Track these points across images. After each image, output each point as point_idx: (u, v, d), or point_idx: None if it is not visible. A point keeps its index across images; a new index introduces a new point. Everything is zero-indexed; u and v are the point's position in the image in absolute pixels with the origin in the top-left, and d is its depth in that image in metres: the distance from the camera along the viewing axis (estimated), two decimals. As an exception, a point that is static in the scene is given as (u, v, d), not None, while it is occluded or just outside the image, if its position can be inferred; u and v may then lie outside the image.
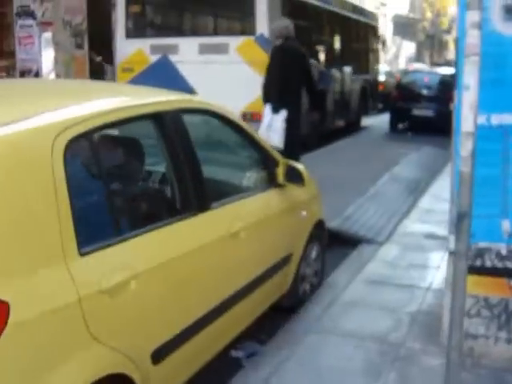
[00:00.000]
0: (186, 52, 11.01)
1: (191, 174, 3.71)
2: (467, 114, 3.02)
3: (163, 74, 10.85)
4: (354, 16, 17.90)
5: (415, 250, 7.01)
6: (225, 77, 10.98)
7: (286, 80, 8.09)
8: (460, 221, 3.11)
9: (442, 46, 78.38)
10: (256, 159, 4.76)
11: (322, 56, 14.55)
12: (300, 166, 4.94)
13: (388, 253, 6.88)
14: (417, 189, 10.23)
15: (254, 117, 10.57)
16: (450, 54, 73.44)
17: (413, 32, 55.77)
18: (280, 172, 4.70)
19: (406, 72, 21.03)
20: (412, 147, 14.15)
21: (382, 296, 5.63)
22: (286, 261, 4.89)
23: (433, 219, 8.33)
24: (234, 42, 11.43)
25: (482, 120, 3.85)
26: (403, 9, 53.00)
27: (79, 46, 15.92)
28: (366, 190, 9.37)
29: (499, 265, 4.24)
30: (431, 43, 70.75)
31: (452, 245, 3.78)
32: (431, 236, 7.54)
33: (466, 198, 3.08)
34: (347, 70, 16.74)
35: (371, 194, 9.28)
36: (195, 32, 12.30)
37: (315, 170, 10.51)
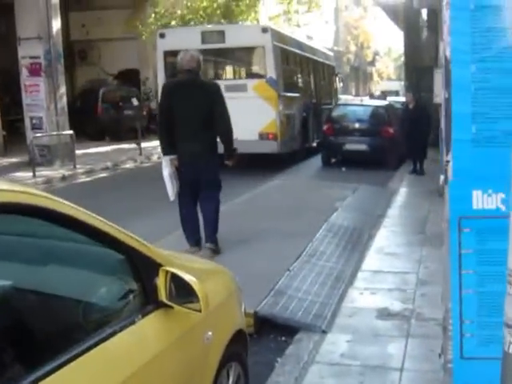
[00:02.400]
0: None
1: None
2: None
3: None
4: (320, 59, 23.60)
5: (368, 339, 5.30)
6: (245, 108, 14.27)
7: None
8: None
9: (367, 77, 79.05)
10: (117, 267, 2.96)
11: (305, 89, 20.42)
12: (190, 278, 2.91)
13: (333, 349, 5.13)
14: (360, 242, 8.59)
15: (268, 136, 15.77)
16: (373, 86, 74.09)
17: (338, 64, 55.32)
18: (161, 285, 2.91)
19: (336, 104, 19.76)
20: (348, 187, 12.56)
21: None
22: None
23: (383, 286, 6.68)
24: (251, 82, 16.22)
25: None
26: (328, 42, 52.52)
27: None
28: (300, 250, 7.64)
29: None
30: (356, 75, 71.08)
31: None
32: (385, 313, 5.87)
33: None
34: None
35: (308, 255, 7.55)
36: (220, 77, 17.12)
37: (235, 225, 9.29)
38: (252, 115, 14.87)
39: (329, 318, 5.74)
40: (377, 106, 18.02)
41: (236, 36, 16.14)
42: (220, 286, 3.73)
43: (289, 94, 17.15)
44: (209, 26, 19.58)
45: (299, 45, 20.21)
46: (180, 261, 3.38)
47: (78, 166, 16.41)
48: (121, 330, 2.64)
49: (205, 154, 7.36)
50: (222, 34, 16.19)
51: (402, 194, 12.54)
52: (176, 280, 2.88)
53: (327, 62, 24.93)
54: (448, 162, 3.11)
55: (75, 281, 2.88)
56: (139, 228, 9.58)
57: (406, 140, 15.90)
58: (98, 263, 2.95)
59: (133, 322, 2.74)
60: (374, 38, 75.07)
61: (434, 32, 22.84)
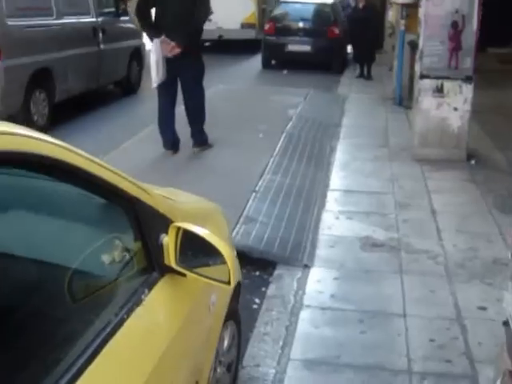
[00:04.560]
0: None
1: None
2: None
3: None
4: None
5: (357, 277, 4.68)
6: (229, 3, 17.39)
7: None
8: None
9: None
10: (114, 223, 2.13)
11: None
12: (214, 239, 2.09)
13: (321, 288, 4.49)
14: (322, 156, 7.91)
15: (249, 26, 19.15)
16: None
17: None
18: (171, 247, 2.11)
19: (277, 2, 18.64)
20: (297, 93, 11.76)
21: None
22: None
23: (359, 209, 6.07)
24: None
25: None
26: None
27: None
28: (262, 168, 6.90)
29: None
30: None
31: None
32: (369, 243, 5.26)
33: None
34: None
35: (272, 173, 6.81)
36: None
37: (182, 138, 8.27)
38: (235, 9, 18.23)
39: (309, 248, 5.09)
40: (322, 4, 16.97)
41: None
42: (218, 231, 2.97)
43: None
44: None
45: None
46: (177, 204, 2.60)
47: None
48: (127, 315, 1.88)
49: (190, 48, 7.08)
50: None
51: (353, 100, 11.83)
52: (189, 238, 2.10)
53: None
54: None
55: (58, 241, 2.07)
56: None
57: (354, 42, 15.11)
58: (88, 217, 2.12)
59: (139, 301, 1.97)
60: None
61: None
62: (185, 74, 7.27)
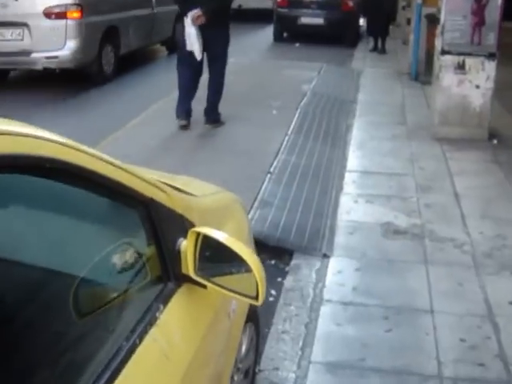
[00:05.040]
0: None
1: None
2: None
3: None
4: None
5: (380, 267, 4.42)
6: None
7: None
8: None
9: None
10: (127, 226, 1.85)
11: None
12: (241, 247, 1.83)
13: (342, 280, 4.23)
14: (338, 135, 7.60)
15: None
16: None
17: None
18: (189, 254, 1.84)
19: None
20: (311, 67, 11.41)
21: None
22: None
23: (378, 192, 5.79)
24: None
25: None
26: None
27: None
28: (277, 147, 6.62)
29: None
30: None
31: None
32: (390, 230, 4.99)
33: None
34: None
35: (286, 153, 6.53)
36: None
37: (195, 114, 8.03)
38: None
39: (327, 236, 4.82)
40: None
41: None
42: (240, 229, 2.70)
43: None
44: None
45: None
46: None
47: None
48: (140, 339, 1.62)
49: (215, 23, 6.94)
50: None
51: (368, 75, 11.47)
52: (210, 242, 1.84)
53: None
54: None
55: (62, 246, 1.80)
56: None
57: (368, 15, 14.69)
58: (96, 220, 1.84)
59: (153, 321, 1.72)
60: None
61: None
62: (210, 43, 7.09)
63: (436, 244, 4.74)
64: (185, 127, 7.23)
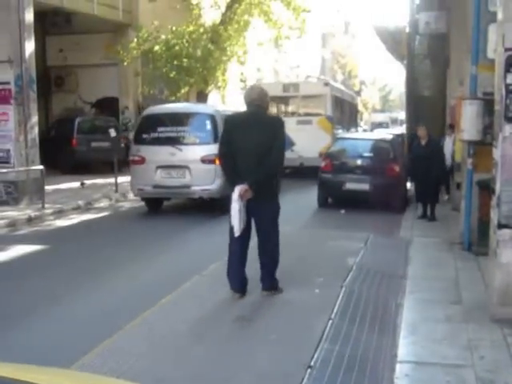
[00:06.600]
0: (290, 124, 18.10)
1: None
2: None
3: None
4: (350, 100, 32.10)
5: None
6: (310, 135, 22.55)
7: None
8: None
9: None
10: None
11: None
12: None
13: None
14: (387, 318, 6.97)
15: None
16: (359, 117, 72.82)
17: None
18: None
19: (336, 138, 18.26)
20: (357, 237, 10.97)
21: None
22: None
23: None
24: (315, 118, 23.86)
25: None
26: (315, 71, 51.53)
27: None
28: (318, 335, 6.01)
29: None
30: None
31: None
32: None
33: None
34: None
35: (329, 342, 5.90)
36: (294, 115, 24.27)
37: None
38: (314, 141, 22.16)
39: None
40: (381, 140, 16.43)
41: (306, 87, 24.77)
42: None
43: (337, 125, 24.66)
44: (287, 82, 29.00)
45: (341, 91, 29.16)
46: None
47: (46, 206, 14.65)
48: None
49: (264, 190, 7.02)
50: (297, 85, 24.79)
51: (418, 246, 10.93)
52: None
53: (354, 102, 34.13)
54: None
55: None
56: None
57: (417, 181, 14.36)
58: None
59: None
60: (359, 67, 74.27)
61: (436, 60, 21.66)
62: (259, 215, 7.09)
63: None
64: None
